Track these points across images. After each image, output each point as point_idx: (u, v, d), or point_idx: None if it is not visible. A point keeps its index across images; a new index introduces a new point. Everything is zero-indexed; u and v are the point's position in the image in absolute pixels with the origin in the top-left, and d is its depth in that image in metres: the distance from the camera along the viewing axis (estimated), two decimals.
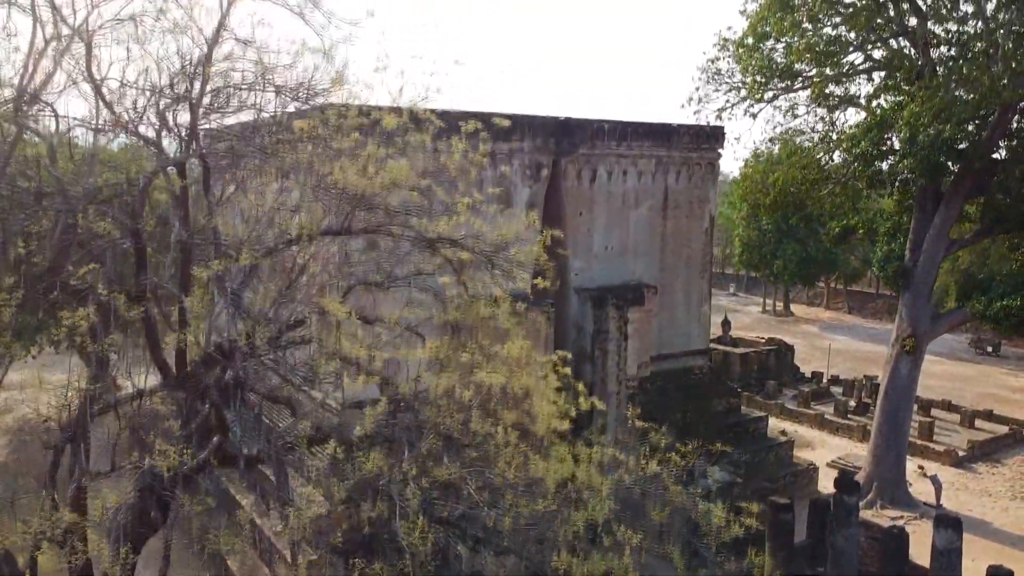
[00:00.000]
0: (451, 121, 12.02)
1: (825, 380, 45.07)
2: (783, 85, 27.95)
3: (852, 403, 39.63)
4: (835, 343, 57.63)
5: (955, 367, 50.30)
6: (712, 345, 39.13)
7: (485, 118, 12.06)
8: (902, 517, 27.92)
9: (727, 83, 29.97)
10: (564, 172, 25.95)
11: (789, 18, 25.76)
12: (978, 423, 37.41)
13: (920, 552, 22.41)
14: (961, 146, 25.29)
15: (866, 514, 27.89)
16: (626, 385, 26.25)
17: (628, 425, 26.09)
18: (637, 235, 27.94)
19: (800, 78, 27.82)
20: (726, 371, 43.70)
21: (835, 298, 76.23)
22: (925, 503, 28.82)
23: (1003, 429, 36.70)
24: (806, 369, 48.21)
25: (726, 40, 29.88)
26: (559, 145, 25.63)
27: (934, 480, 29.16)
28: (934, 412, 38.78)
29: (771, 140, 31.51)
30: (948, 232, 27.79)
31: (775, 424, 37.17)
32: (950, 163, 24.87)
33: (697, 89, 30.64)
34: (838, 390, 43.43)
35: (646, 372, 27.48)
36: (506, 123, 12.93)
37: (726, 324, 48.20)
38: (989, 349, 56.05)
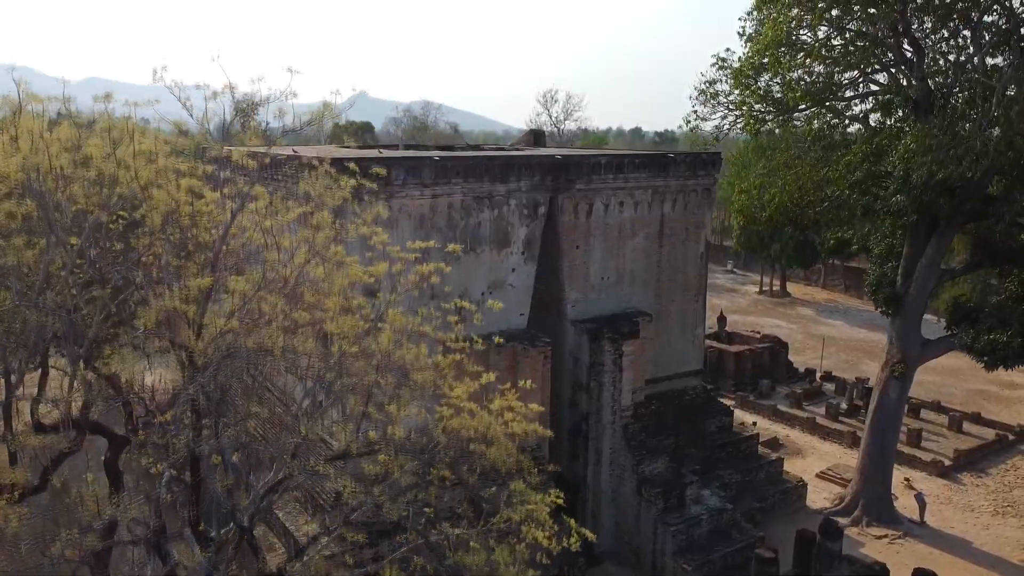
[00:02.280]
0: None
1: (818, 377, 45.87)
2: (780, 118, 27.99)
3: (844, 405, 40.48)
4: (830, 329, 58.45)
5: (947, 358, 50.60)
6: (707, 342, 39.74)
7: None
8: (887, 535, 28.98)
9: (723, 103, 30.00)
10: (561, 208, 26.16)
11: (787, 59, 25.70)
12: (966, 427, 38.31)
13: (902, 575, 23.51)
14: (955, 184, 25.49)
15: (851, 532, 29.00)
16: (621, 415, 26.94)
17: (623, 460, 26.98)
18: (634, 264, 28.27)
19: (797, 110, 27.85)
20: (721, 370, 44.50)
21: (832, 274, 76.70)
22: (910, 520, 29.83)
23: (990, 434, 37.61)
24: (800, 360, 49.02)
25: (724, 60, 29.81)
26: (556, 182, 25.80)
27: (918, 498, 30.10)
28: (923, 414, 39.71)
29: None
30: (940, 262, 28.19)
31: (767, 427, 38.12)
32: (943, 202, 25.09)
33: (694, 110, 30.71)
34: (831, 387, 44.26)
35: (640, 397, 28.12)
36: None
37: (722, 320, 48.77)
38: None
